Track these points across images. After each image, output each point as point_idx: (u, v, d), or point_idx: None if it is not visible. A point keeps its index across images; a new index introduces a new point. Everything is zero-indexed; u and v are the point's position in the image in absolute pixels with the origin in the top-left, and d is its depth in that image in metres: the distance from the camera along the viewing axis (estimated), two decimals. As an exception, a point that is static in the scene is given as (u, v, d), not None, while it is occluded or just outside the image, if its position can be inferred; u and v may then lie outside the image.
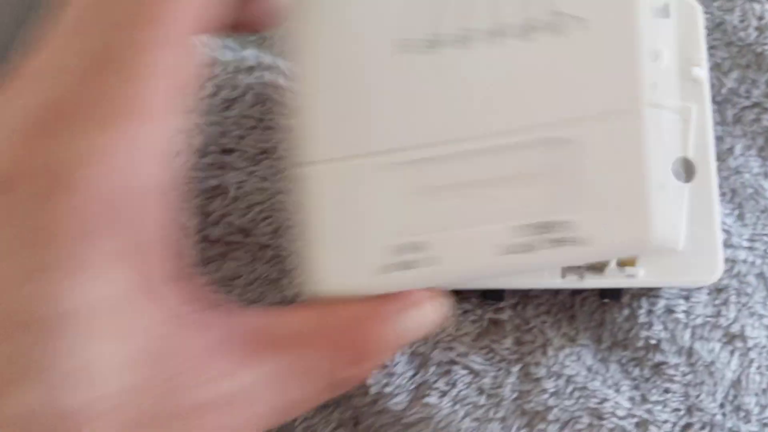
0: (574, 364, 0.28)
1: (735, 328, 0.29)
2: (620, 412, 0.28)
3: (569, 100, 0.19)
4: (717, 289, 0.29)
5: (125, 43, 0.17)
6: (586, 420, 0.27)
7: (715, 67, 0.31)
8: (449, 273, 0.20)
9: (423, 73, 0.20)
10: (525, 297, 0.29)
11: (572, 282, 0.28)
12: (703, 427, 0.28)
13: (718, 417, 0.28)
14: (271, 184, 0.29)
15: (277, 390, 0.18)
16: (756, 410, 0.28)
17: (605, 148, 0.19)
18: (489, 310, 0.29)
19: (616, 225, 0.20)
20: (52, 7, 0.18)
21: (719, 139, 0.30)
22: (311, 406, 0.20)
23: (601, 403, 0.28)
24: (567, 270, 0.28)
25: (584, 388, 0.28)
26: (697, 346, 0.29)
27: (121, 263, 0.16)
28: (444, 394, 0.28)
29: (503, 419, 0.28)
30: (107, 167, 0.16)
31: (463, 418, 0.27)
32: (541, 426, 0.27)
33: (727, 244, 0.29)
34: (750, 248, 0.30)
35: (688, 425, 0.28)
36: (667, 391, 0.28)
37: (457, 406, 0.27)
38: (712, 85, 0.30)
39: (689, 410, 0.28)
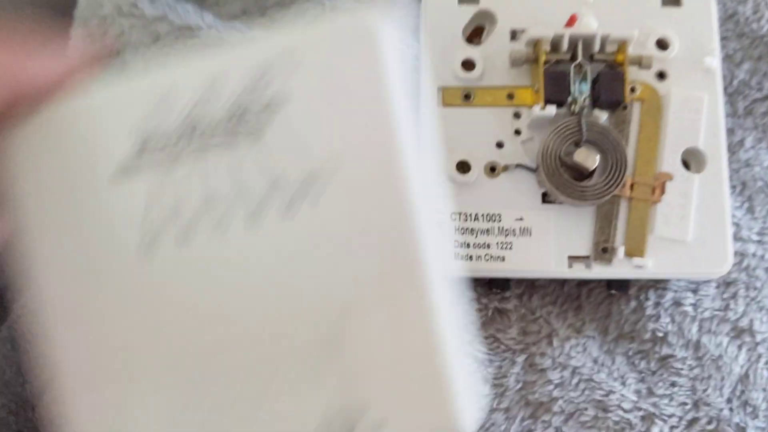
0: (580, 355, 0.28)
1: (743, 323, 0.28)
2: (626, 405, 0.27)
3: (343, 282, 0.16)
4: (725, 283, 0.29)
5: None
6: (591, 412, 0.27)
7: (727, 59, 0.31)
8: None
9: (175, 274, 0.16)
10: (531, 287, 0.29)
11: (579, 272, 0.27)
12: (709, 422, 0.27)
13: (725, 412, 0.28)
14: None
15: None
16: (764, 406, 0.28)
17: (389, 331, 0.16)
18: (494, 299, 0.29)
19: (416, 414, 0.16)
20: None
21: (729, 131, 0.30)
22: None
23: (606, 395, 0.27)
24: (574, 260, 0.27)
25: (590, 379, 0.27)
26: (705, 339, 0.28)
27: None
28: (447, 383, 0.27)
29: (507, 409, 0.27)
30: None
31: (467, 407, 0.27)
32: (546, 417, 0.27)
33: (737, 237, 0.29)
34: (759, 242, 0.29)
35: (695, 420, 0.27)
36: (673, 384, 0.28)
37: (461, 396, 0.27)
38: (723, 77, 0.29)
39: (696, 404, 0.28)
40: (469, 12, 0.29)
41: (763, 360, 0.28)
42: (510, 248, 0.27)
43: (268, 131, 0.16)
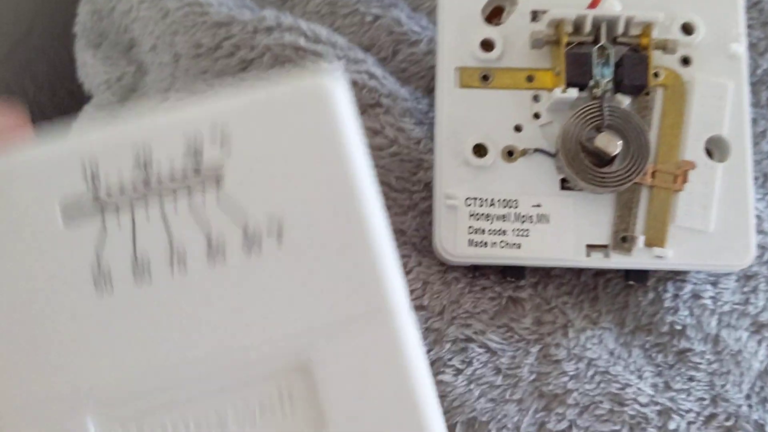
0: (596, 347, 0.27)
1: (764, 317, 0.28)
2: (642, 399, 0.26)
3: (302, 318, 0.16)
4: (746, 276, 0.28)
5: None
6: (606, 405, 0.26)
7: (751, 48, 0.30)
8: None
9: (127, 311, 0.16)
10: (546, 276, 0.28)
11: (597, 261, 0.27)
12: (727, 419, 0.27)
13: (744, 408, 0.27)
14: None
15: None
16: (783, 403, 0.27)
17: (355, 365, 0.16)
18: (508, 288, 0.28)
19: None
20: None
21: (753, 122, 0.29)
22: None
23: (622, 388, 0.26)
24: (592, 248, 0.27)
25: (606, 372, 0.27)
26: (724, 333, 0.27)
27: None
28: (459, 372, 0.26)
29: (520, 401, 0.26)
30: None
31: (479, 397, 0.26)
32: (560, 410, 0.26)
33: (758, 230, 0.28)
34: (782, 235, 0.28)
35: (713, 416, 0.27)
36: (691, 379, 0.27)
37: (473, 386, 0.26)
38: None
39: (714, 400, 0.27)
40: (488, -9, 0.28)
41: (783, 356, 0.27)
42: (526, 235, 0.27)
43: (226, 177, 0.16)
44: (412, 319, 0.16)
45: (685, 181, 0.27)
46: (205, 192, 0.16)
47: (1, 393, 0.16)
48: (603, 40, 0.26)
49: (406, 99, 0.30)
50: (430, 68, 0.31)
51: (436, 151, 0.27)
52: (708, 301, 0.28)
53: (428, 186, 0.29)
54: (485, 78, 0.27)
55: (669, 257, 0.26)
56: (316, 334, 0.16)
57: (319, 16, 0.32)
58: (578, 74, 0.26)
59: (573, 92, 0.26)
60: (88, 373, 0.16)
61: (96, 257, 0.16)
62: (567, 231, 0.27)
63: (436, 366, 0.26)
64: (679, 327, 0.27)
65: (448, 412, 0.26)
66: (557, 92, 0.26)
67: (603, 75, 0.26)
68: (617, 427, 0.26)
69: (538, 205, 0.27)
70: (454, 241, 0.27)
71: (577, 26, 0.27)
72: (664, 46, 0.27)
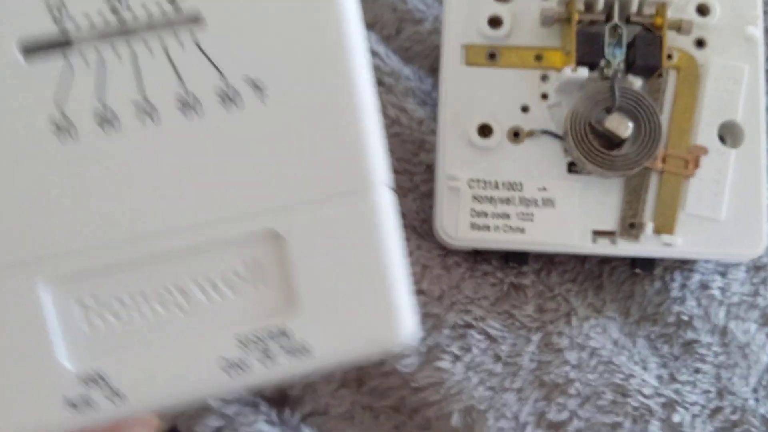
0: (600, 336, 0.26)
1: (773, 310, 0.27)
2: (647, 390, 0.26)
3: (278, 186, 0.15)
4: (755, 267, 0.27)
5: None
6: (609, 396, 0.25)
7: (767, 33, 0.29)
8: (133, 408, 0.16)
9: (86, 161, 0.15)
10: (550, 262, 0.27)
11: (604, 247, 0.26)
12: (734, 412, 0.26)
13: (751, 402, 0.26)
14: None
15: None
16: (791, 398, 0.26)
17: (330, 238, 0.15)
18: (510, 274, 0.27)
19: (355, 326, 0.16)
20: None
21: (767, 109, 0.28)
22: None
23: (626, 379, 0.26)
24: (599, 234, 0.26)
25: (609, 362, 0.26)
26: (732, 325, 0.27)
27: None
28: (457, 358, 0.26)
29: (520, 390, 0.25)
30: None
31: (477, 385, 0.25)
32: (561, 399, 0.25)
33: (770, 220, 0.27)
34: (794, 225, 0.27)
35: (718, 409, 0.26)
36: (697, 371, 0.26)
37: (471, 373, 0.25)
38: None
39: (720, 393, 0.26)
40: (498, -34, 0.27)
41: (791, 350, 0.26)
42: (531, 219, 0.26)
43: (206, 21, 0.15)
44: (391, 198, 0.16)
45: (696, 166, 0.26)
46: (182, 36, 0.15)
47: None
48: (616, 19, 0.26)
49: (409, 78, 0.29)
50: (434, 47, 0.30)
51: (439, 130, 0.26)
52: (716, 292, 0.27)
53: (430, 168, 0.28)
54: (492, 56, 0.26)
55: (678, 245, 0.25)
56: (293, 205, 0.15)
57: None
58: (589, 54, 0.25)
59: (583, 72, 0.25)
60: (43, 227, 0.15)
61: (59, 99, 0.15)
62: (573, 216, 0.26)
63: (434, 352, 0.25)
64: (686, 317, 0.27)
65: (445, 399, 0.25)
66: (567, 71, 0.25)
67: (615, 55, 0.26)
68: (620, 419, 0.25)
69: (544, 189, 0.26)
70: (455, 224, 0.26)
71: (589, 4, 0.26)
72: (679, 27, 0.26)
